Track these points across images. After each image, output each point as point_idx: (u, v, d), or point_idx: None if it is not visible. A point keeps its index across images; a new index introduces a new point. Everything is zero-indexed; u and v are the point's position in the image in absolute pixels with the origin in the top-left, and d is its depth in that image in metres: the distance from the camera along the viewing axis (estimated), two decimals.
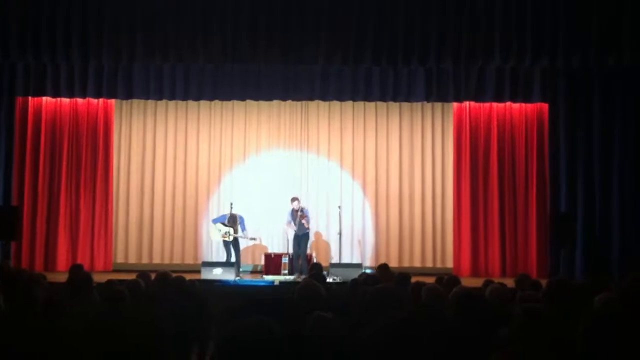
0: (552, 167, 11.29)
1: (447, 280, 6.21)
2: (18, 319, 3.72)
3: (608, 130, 11.05)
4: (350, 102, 12.11)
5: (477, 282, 7.03)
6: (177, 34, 10.10)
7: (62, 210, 11.67)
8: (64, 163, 11.78)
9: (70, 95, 11.39)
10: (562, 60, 10.24)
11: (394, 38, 10.13)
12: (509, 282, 6.61)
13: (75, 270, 6.79)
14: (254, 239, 11.56)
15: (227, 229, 11.18)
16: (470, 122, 11.88)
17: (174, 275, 6.19)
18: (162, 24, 10.07)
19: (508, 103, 11.63)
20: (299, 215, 11.11)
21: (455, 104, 11.87)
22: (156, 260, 12.18)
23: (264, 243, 12.29)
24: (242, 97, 11.56)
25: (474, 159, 11.82)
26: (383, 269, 6.95)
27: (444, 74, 11.13)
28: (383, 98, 11.42)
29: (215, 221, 11.50)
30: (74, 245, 11.69)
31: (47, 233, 11.60)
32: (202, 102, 12.03)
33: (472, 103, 11.75)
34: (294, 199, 11.36)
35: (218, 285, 9.71)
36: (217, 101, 12.05)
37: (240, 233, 11.17)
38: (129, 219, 12.36)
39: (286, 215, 11.42)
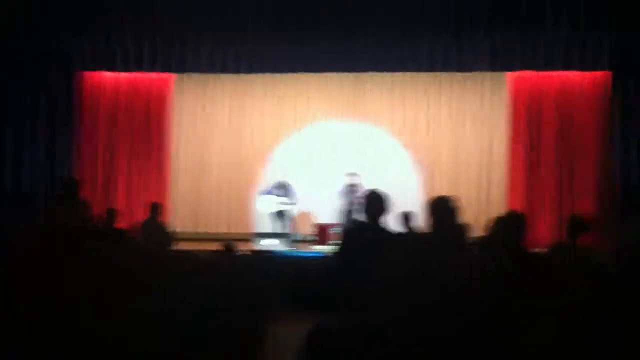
0: (620, 137, 10.83)
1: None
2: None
3: None
4: (400, 74, 12.00)
5: None
6: (227, 6, 10.17)
7: (120, 182, 11.99)
8: (122, 136, 12.05)
9: (128, 69, 11.56)
10: (626, 28, 10.00)
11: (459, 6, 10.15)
12: None
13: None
14: (294, 203, 11.38)
15: (279, 198, 11.22)
16: (528, 92, 11.54)
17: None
18: None
19: (568, 72, 11.19)
20: (351, 190, 11.08)
21: (510, 75, 11.59)
22: (211, 230, 12.41)
23: (316, 214, 12.33)
24: (297, 69, 11.57)
25: (530, 130, 11.51)
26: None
27: (509, 42, 10.78)
28: (445, 68, 11.18)
29: (263, 193, 11.54)
30: (130, 218, 11.93)
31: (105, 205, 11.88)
32: (258, 75, 12.06)
33: (529, 73, 11.41)
34: (349, 174, 11.31)
35: (270, 255, 9.82)
36: (272, 74, 12.02)
37: (288, 200, 11.19)
38: (184, 190, 12.60)
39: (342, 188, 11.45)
